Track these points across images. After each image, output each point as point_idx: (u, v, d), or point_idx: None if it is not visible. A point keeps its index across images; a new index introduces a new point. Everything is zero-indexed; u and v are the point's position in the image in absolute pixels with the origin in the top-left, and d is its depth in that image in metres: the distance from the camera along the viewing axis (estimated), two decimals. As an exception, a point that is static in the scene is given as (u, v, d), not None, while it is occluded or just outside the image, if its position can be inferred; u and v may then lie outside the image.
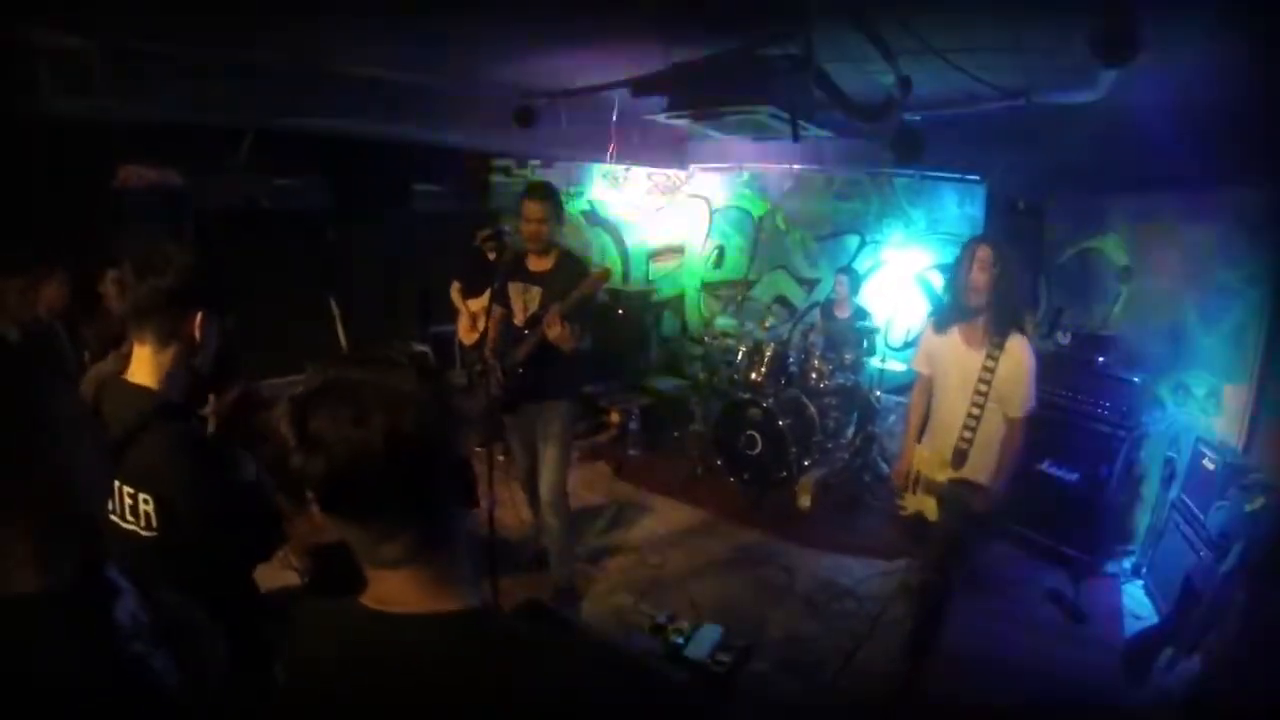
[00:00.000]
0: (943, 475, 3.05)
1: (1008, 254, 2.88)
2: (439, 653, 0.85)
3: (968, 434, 2.95)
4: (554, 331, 3.21)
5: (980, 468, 2.96)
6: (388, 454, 0.81)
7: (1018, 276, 2.92)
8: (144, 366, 1.52)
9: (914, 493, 3.20)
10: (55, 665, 0.84)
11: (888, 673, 3.20)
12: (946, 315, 3.07)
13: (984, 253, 2.87)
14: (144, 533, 1.44)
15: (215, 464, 1.55)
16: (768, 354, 5.24)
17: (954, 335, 3.03)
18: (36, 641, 0.84)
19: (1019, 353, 2.87)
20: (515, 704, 0.81)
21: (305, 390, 0.85)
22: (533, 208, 3.36)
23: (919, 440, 3.23)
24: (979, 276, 2.86)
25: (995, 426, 2.93)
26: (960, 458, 2.98)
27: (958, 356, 3.01)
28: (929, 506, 3.13)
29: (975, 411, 2.92)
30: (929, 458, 3.14)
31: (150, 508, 1.43)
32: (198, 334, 1.54)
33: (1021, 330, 2.93)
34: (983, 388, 2.89)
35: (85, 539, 0.94)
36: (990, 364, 2.88)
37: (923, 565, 3.19)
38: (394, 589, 0.89)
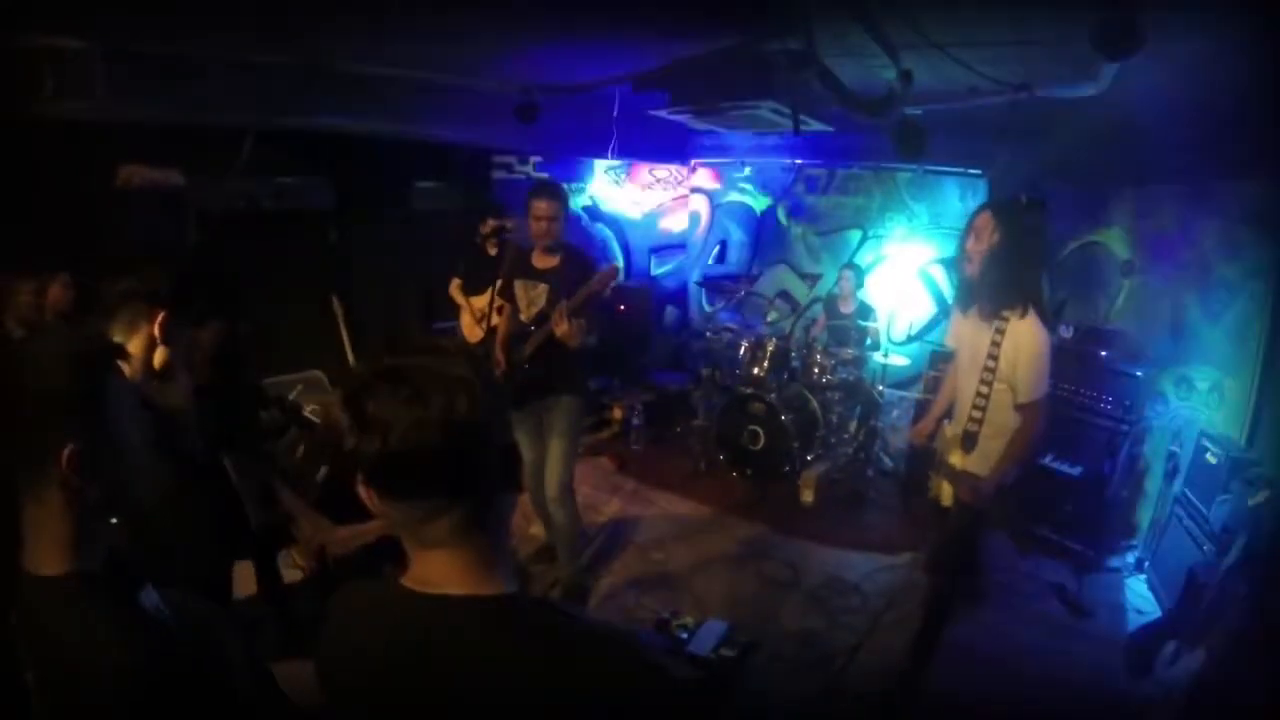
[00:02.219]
0: (956, 459, 2.92)
1: (1012, 221, 2.64)
2: (476, 635, 0.88)
3: (976, 414, 2.78)
4: (562, 328, 3.22)
5: (988, 456, 2.79)
6: (442, 433, 0.83)
7: (1019, 246, 2.65)
8: None
9: (938, 474, 3.13)
10: (97, 644, 0.86)
11: (892, 668, 3.19)
12: (960, 292, 2.94)
13: (980, 219, 2.66)
14: None
15: (169, 457, 1.58)
16: (770, 349, 5.24)
17: (972, 312, 2.86)
18: (73, 620, 0.87)
19: (1019, 332, 2.66)
20: (547, 691, 0.84)
21: (361, 376, 0.88)
22: (542, 205, 3.35)
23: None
24: (973, 245, 2.68)
25: (1005, 411, 2.75)
26: (970, 440, 2.82)
27: (970, 333, 2.86)
28: (945, 492, 3.04)
29: (984, 390, 2.75)
30: (950, 440, 2.99)
31: None
32: (157, 331, 1.64)
33: (1031, 307, 2.69)
34: (990, 364, 2.72)
35: (110, 528, 0.97)
36: (998, 338, 2.69)
37: (926, 561, 3.17)
38: (436, 570, 0.91)
